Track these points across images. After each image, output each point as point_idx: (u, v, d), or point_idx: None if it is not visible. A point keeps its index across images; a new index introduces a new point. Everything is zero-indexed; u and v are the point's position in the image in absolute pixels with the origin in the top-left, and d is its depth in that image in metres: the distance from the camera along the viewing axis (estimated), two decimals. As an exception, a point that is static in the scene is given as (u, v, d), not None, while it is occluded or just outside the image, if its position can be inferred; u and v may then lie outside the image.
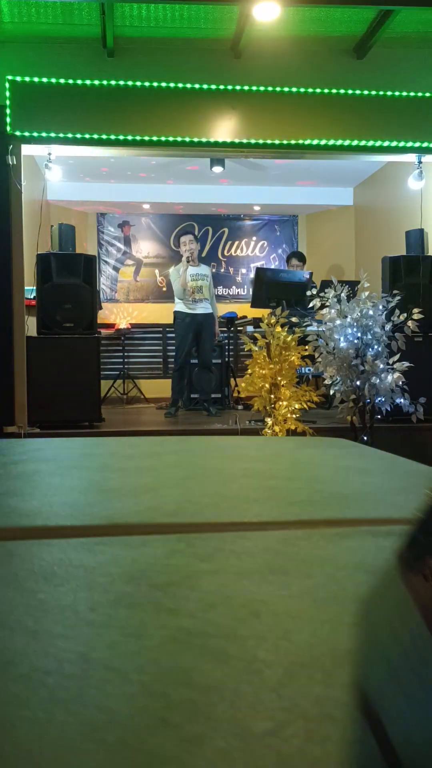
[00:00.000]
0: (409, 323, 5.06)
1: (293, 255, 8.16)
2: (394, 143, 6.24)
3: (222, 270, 9.95)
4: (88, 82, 5.93)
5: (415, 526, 0.42)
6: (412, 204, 6.78)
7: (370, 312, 5.07)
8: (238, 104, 6.13)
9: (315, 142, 6.18)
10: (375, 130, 6.21)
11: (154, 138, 6.04)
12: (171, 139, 6.05)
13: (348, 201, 9.49)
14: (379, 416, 5.35)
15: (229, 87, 6.11)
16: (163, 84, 6.01)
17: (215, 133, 6.14)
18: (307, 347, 5.22)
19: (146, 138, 6.03)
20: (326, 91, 6.18)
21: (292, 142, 6.18)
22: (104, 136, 5.97)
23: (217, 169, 7.73)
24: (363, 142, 6.21)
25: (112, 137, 5.98)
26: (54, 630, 0.68)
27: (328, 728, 0.50)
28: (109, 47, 6.09)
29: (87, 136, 5.94)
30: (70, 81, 5.89)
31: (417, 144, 6.27)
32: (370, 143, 6.22)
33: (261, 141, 6.17)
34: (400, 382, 4.97)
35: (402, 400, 5.09)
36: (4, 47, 6.05)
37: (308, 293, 5.88)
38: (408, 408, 5.11)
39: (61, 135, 5.89)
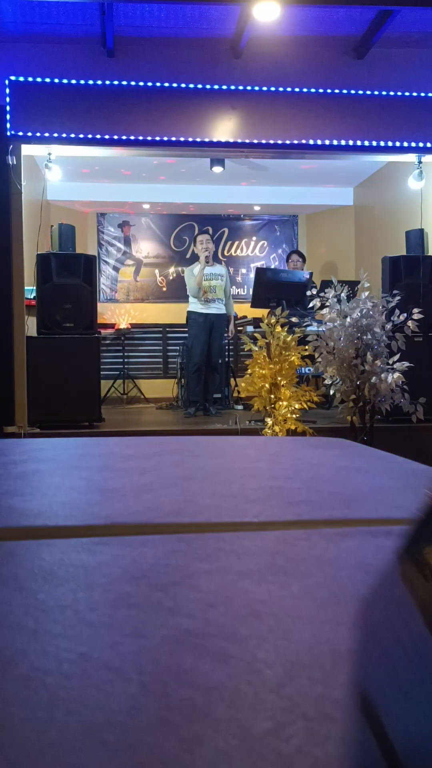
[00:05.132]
0: (409, 323, 5.06)
1: (293, 252, 8.19)
2: (394, 143, 6.25)
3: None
4: (88, 82, 5.93)
5: (415, 526, 0.42)
6: (412, 204, 6.78)
7: (371, 312, 5.07)
8: (238, 104, 6.13)
9: (315, 142, 6.18)
10: (375, 130, 6.21)
11: (155, 138, 6.04)
12: (171, 139, 6.05)
13: (348, 201, 9.49)
14: (379, 416, 5.35)
15: (230, 87, 6.12)
16: (164, 84, 6.01)
17: (215, 133, 6.14)
18: (307, 347, 5.22)
19: (146, 138, 6.03)
20: (326, 91, 6.18)
21: (293, 142, 6.18)
22: (104, 136, 5.97)
23: (217, 169, 7.73)
24: (363, 142, 6.21)
25: (113, 137, 5.99)
26: (54, 630, 0.68)
27: (328, 728, 0.50)
28: (109, 47, 6.09)
29: (87, 136, 5.94)
30: (70, 81, 5.90)
31: (417, 144, 6.27)
32: (370, 143, 6.22)
33: (261, 141, 6.17)
34: (400, 382, 4.97)
35: (402, 400, 5.09)
36: (4, 47, 6.05)
37: (308, 293, 5.89)
38: (408, 408, 5.11)
39: (62, 135, 5.90)
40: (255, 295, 6.66)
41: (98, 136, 5.96)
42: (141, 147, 6.18)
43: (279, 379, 5.12)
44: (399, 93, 6.22)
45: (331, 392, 5.30)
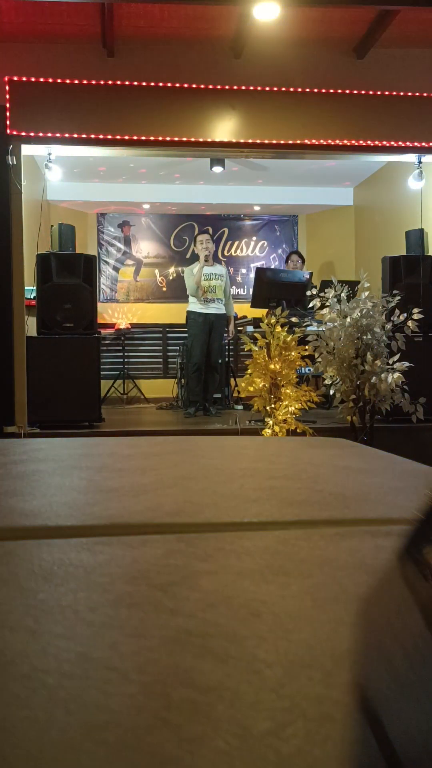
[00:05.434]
0: (409, 323, 5.06)
1: (293, 252, 8.20)
2: (394, 143, 6.24)
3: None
4: (90, 81, 5.93)
5: (415, 526, 0.42)
6: (412, 204, 6.78)
7: (371, 312, 5.07)
8: (238, 104, 6.13)
9: (315, 142, 6.18)
10: (375, 130, 6.21)
11: (155, 138, 6.04)
12: (171, 139, 6.05)
13: (348, 201, 9.49)
14: (379, 416, 5.35)
15: (232, 87, 6.11)
16: (164, 84, 6.01)
17: (215, 133, 6.14)
18: (307, 347, 5.22)
19: (146, 138, 6.03)
20: (326, 91, 6.18)
21: (293, 142, 6.18)
22: (104, 136, 5.97)
23: (217, 169, 7.73)
24: (363, 142, 6.21)
25: (113, 137, 5.99)
26: (54, 630, 0.68)
27: (328, 728, 0.50)
28: (109, 47, 6.09)
29: (87, 136, 5.94)
30: (71, 81, 5.89)
31: (417, 144, 6.27)
32: (370, 143, 6.22)
33: (261, 141, 6.17)
34: (400, 382, 4.97)
35: (402, 400, 5.09)
36: (4, 47, 6.04)
37: (308, 293, 5.88)
38: (408, 408, 5.10)
39: (62, 135, 5.90)
40: (255, 295, 6.66)
41: (98, 136, 5.96)
42: (141, 147, 6.18)
43: (279, 379, 5.12)
44: (399, 93, 6.22)
45: (331, 392, 5.30)
